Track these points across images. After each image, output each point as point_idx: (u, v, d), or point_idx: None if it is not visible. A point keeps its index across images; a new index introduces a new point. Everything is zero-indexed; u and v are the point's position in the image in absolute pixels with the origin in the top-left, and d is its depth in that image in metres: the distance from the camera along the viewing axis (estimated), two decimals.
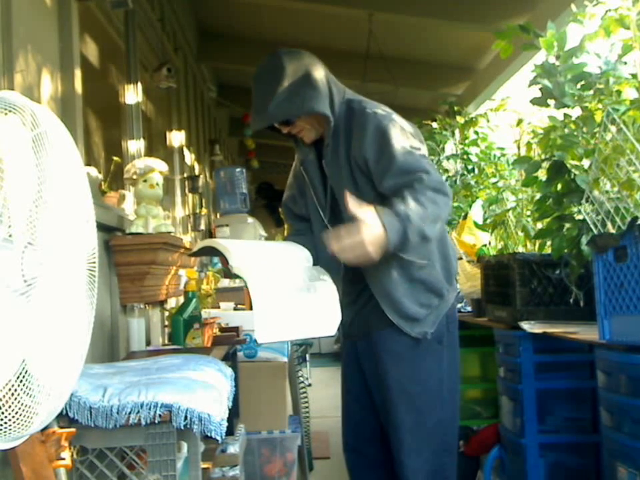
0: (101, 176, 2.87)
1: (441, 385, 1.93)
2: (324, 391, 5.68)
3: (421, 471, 1.89)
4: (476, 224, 3.09)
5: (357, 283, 1.94)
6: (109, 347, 2.43)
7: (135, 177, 2.58)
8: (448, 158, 4.04)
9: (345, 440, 2.12)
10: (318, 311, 1.81)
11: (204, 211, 5.64)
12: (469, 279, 3.05)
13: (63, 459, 1.24)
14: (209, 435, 1.49)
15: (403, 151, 1.80)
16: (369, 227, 1.65)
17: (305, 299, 1.80)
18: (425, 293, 1.90)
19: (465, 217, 3.30)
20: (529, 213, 2.68)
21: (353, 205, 1.70)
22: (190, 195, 5.31)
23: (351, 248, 1.66)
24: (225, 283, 3.72)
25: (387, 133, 1.82)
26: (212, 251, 1.91)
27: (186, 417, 1.45)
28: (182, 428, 1.46)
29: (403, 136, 1.83)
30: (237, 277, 1.80)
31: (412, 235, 1.69)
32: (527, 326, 2.29)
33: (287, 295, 1.77)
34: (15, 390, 1.00)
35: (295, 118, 1.87)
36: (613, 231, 1.76)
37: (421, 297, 1.89)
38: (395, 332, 1.91)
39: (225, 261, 1.79)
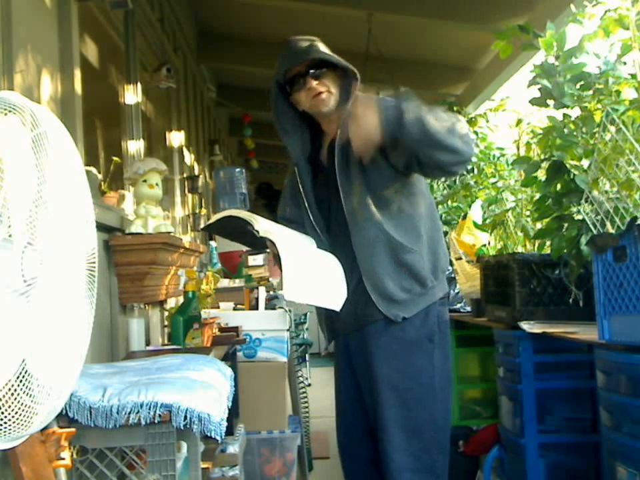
0: (100, 176, 2.87)
1: (432, 383, 1.94)
2: (323, 391, 5.67)
3: (409, 467, 1.89)
4: (475, 224, 3.09)
5: (347, 264, 1.95)
6: (108, 347, 2.43)
7: (134, 177, 2.58)
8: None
9: (339, 440, 2.12)
10: (332, 282, 1.89)
11: (203, 211, 5.63)
12: (468, 279, 3.05)
13: (63, 458, 1.24)
14: (208, 434, 1.49)
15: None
16: (365, 105, 1.75)
17: (323, 270, 1.89)
18: (408, 278, 1.92)
19: (465, 217, 3.30)
20: (528, 213, 2.68)
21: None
22: (189, 195, 5.31)
23: (353, 129, 1.75)
24: (225, 283, 3.72)
25: (397, 104, 1.86)
26: (226, 229, 1.95)
27: (186, 417, 1.46)
28: (182, 428, 1.46)
29: (415, 104, 1.87)
30: (255, 252, 1.87)
31: (408, 112, 1.72)
32: (526, 326, 2.29)
33: (309, 261, 1.86)
34: (15, 390, 1.00)
35: (330, 73, 1.92)
36: (612, 231, 1.76)
37: (404, 280, 1.92)
38: (385, 327, 1.93)
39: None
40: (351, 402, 2.07)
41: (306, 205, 2.04)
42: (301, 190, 2.05)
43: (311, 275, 1.83)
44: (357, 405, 2.05)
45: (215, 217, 1.98)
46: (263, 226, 1.82)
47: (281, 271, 1.75)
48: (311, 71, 1.91)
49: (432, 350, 1.95)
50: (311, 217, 2.03)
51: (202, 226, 3.20)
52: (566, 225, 2.08)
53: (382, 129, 1.72)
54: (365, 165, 1.91)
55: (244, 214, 1.87)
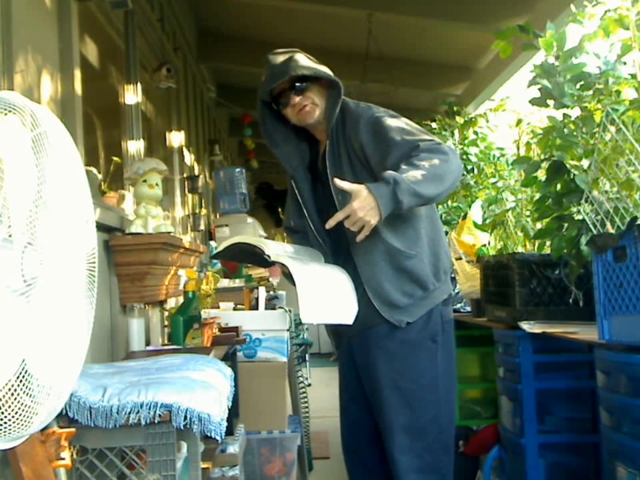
0: (100, 176, 2.87)
1: (435, 383, 1.94)
2: (324, 391, 5.68)
3: (414, 468, 1.90)
4: (475, 224, 3.09)
5: (350, 273, 1.96)
6: (108, 347, 2.43)
7: (134, 177, 2.58)
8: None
9: (344, 441, 2.12)
10: (343, 298, 1.90)
11: (203, 211, 5.63)
12: (468, 279, 3.05)
13: (63, 458, 1.24)
14: (208, 434, 1.49)
15: (400, 132, 1.85)
16: (358, 197, 1.73)
17: (334, 287, 1.90)
18: (410, 283, 1.92)
19: (465, 217, 3.30)
20: (528, 213, 2.68)
21: (342, 184, 1.77)
22: (189, 195, 5.31)
23: (349, 219, 1.75)
24: (225, 283, 3.72)
25: (381, 120, 1.88)
26: (235, 253, 1.97)
27: (186, 417, 1.46)
28: (182, 428, 1.46)
29: (398, 121, 1.89)
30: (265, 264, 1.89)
31: (402, 195, 1.72)
32: (526, 326, 2.29)
33: (321, 281, 1.87)
34: (15, 390, 1.00)
35: (312, 85, 1.93)
36: (612, 231, 1.76)
37: (405, 286, 1.92)
38: (386, 329, 1.92)
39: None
40: (355, 402, 2.07)
41: (306, 214, 2.05)
42: (300, 200, 2.06)
43: (325, 295, 1.85)
44: (361, 405, 2.05)
45: (223, 244, 1.97)
46: (274, 250, 1.83)
47: (296, 290, 1.78)
48: (297, 84, 1.92)
49: (435, 350, 1.95)
50: (312, 227, 2.04)
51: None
52: (566, 225, 2.08)
53: (379, 211, 1.74)
54: (358, 172, 1.91)
55: (253, 240, 1.89)
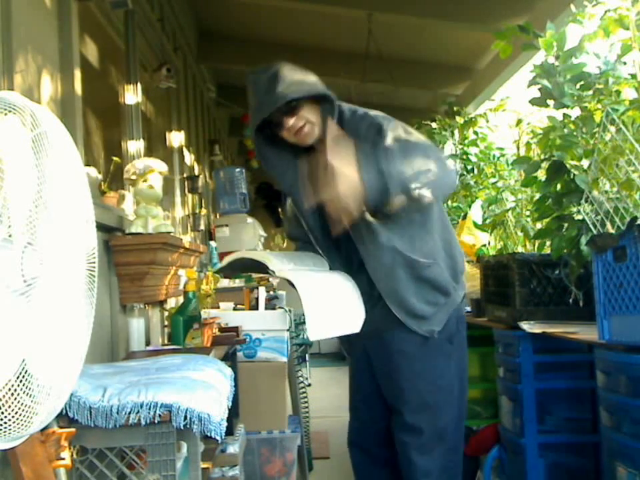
0: (100, 176, 2.87)
1: (452, 384, 1.94)
2: (324, 391, 5.69)
3: (432, 470, 1.90)
4: (475, 224, 3.09)
5: (363, 285, 1.93)
6: (108, 347, 2.43)
7: (134, 177, 2.58)
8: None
9: (351, 436, 2.12)
10: (350, 307, 1.88)
11: (203, 211, 5.63)
12: (468, 279, 3.05)
13: (63, 458, 1.24)
14: (208, 434, 1.49)
15: (399, 139, 1.80)
16: (346, 182, 1.64)
17: (341, 297, 1.88)
18: (432, 291, 1.91)
19: (465, 217, 3.30)
20: (528, 213, 2.68)
21: (334, 155, 1.68)
22: (189, 195, 5.31)
23: (330, 201, 1.68)
24: (225, 283, 3.72)
25: (382, 128, 1.82)
26: (239, 266, 1.95)
27: (186, 417, 1.45)
28: (182, 428, 1.46)
29: (399, 128, 1.84)
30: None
31: (394, 188, 1.66)
32: (526, 326, 2.29)
33: (327, 292, 1.84)
34: (15, 390, 1.00)
35: (303, 102, 1.82)
36: (612, 231, 1.76)
37: (428, 295, 1.90)
38: (405, 332, 1.91)
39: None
40: (366, 403, 2.07)
41: (307, 228, 1.98)
42: (302, 220, 1.99)
43: (331, 307, 1.82)
44: (372, 406, 2.04)
45: (227, 259, 1.91)
46: (278, 265, 1.79)
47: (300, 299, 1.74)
48: (287, 107, 1.81)
49: (451, 351, 1.96)
50: (316, 244, 1.98)
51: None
52: (566, 225, 2.08)
53: (365, 203, 1.66)
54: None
55: (256, 255, 1.86)
